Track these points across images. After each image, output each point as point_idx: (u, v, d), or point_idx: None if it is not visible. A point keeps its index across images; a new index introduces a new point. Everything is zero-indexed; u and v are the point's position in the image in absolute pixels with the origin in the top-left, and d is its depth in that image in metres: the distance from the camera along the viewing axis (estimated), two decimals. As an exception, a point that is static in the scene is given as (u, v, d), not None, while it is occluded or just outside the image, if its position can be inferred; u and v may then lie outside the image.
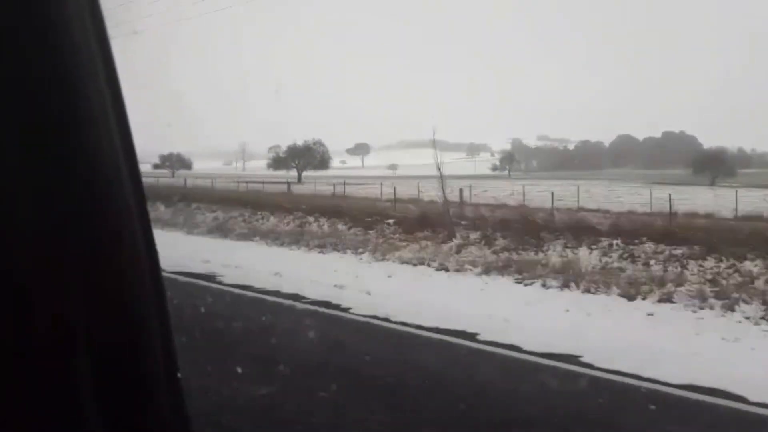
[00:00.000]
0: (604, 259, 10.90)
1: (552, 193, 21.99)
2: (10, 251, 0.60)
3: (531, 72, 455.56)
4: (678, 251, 10.49)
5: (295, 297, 8.62)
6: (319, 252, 13.61)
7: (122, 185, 0.70)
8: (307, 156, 70.24)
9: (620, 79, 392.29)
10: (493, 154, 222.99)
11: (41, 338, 0.61)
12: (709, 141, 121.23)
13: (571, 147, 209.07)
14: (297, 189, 36.73)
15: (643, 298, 8.63)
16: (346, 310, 7.92)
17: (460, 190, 19.50)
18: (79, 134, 0.66)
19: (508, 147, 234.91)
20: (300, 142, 75.99)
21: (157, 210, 19.51)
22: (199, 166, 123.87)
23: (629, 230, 12.03)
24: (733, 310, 7.88)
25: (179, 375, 0.76)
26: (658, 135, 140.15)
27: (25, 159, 0.62)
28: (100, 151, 0.68)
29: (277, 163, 72.95)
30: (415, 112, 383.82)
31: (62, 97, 0.65)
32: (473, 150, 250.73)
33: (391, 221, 15.03)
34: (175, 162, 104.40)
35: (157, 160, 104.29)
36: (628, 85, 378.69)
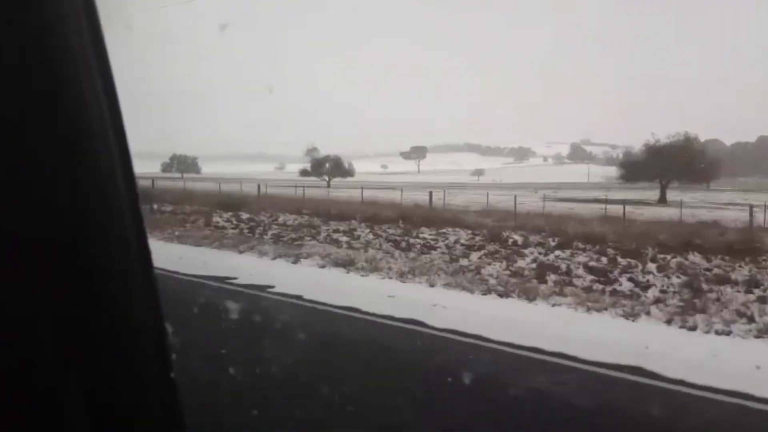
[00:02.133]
0: None
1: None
2: (3, 252, 0.61)
3: (562, 79, 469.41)
4: None
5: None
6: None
7: (117, 187, 0.71)
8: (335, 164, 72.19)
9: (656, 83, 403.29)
10: (546, 159, 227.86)
11: (32, 336, 0.62)
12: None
13: (620, 153, 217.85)
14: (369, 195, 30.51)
15: None
16: None
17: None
18: (73, 137, 0.66)
19: (551, 152, 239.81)
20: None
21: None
22: (215, 169, 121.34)
23: None
24: None
25: (172, 375, 0.76)
26: (752, 139, 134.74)
27: (18, 161, 0.62)
28: (94, 152, 0.68)
29: (314, 169, 72.56)
30: (442, 116, 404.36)
31: (57, 100, 0.65)
32: (522, 154, 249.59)
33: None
34: (183, 164, 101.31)
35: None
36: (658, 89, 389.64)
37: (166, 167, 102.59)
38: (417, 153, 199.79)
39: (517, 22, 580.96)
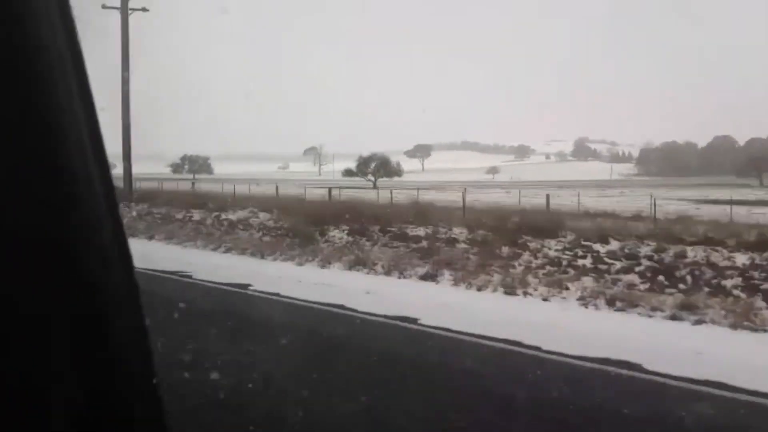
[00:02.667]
0: None
1: None
2: None
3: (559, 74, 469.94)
4: None
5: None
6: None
7: (93, 190, 0.70)
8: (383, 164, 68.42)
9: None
10: (548, 156, 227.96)
11: (15, 336, 0.61)
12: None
13: (625, 150, 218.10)
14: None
15: None
16: None
17: None
18: (46, 137, 0.65)
19: (552, 149, 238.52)
20: (314, 146, 75.93)
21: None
22: (230, 170, 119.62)
23: None
24: None
25: (155, 381, 0.75)
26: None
27: None
28: (68, 153, 0.67)
29: (359, 169, 68.84)
30: (434, 114, 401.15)
31: (29, 99, 0.64)
32: (523, 152, 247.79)
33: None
34: (194, 164, 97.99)
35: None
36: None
37: (176, 168, 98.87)
38: (421, 151, 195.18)
39: (512, 18, 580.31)
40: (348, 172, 69.28)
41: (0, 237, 0.61)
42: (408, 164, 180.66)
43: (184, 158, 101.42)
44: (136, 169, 23.72)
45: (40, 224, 0.64)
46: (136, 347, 0.73)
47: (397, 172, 69.39)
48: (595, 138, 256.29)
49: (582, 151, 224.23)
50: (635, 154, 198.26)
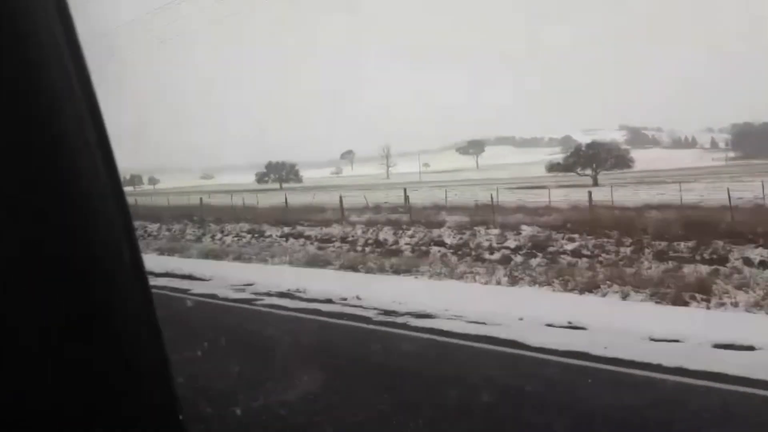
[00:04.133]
0: None
1: None
2: None
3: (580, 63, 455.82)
4: None
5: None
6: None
7: (103, 195, 0.70)
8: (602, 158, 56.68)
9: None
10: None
11: (28, 346, 0.62)
12: None
13: (687, 135, 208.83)
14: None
15: None
16: None
17: None
18: (55, 149, 0.65)
19: (587, 139, 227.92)
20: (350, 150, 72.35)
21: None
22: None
23: None
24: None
25: (174, 388, 0.75)
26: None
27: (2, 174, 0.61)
28: (78, 163, 0.67)
29: (576, 164, 57.78)
30: (462, 109, 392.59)
31: (37, 113, 0.64)
32: (569, 144, 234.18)
33: None
34: (279, 172, 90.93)
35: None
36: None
37: (261, 177, 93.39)
38: (475, 148, 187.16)
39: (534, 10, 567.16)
40: (554, 167, 58.93)
41: (13, 243, 0.61)
42: (460, 161, 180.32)
43: (269, 166, 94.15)
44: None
45: (50, 231, 0.64)
46: (151, 350, 0.73)
47: (627, 162, 58.54)
48: (634, 125, 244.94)
49: (639, 138, 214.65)
50: (700, 138, 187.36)
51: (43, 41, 0.65)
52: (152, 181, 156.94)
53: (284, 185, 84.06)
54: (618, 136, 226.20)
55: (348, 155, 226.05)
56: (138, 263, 0.74)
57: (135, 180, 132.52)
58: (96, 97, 0.72)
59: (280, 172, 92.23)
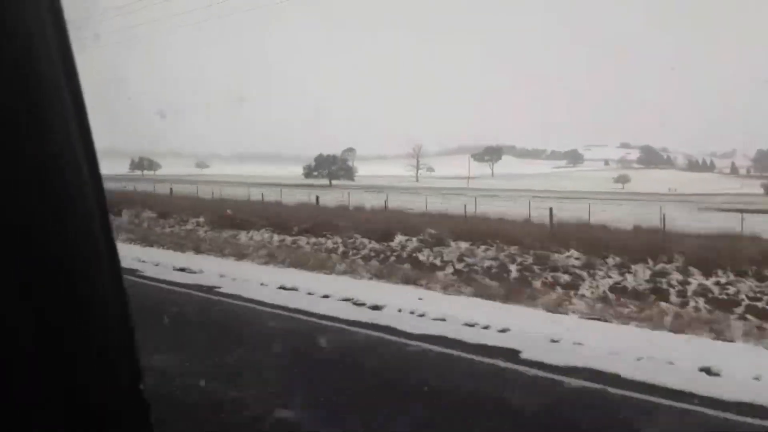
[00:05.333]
0: None
1: None
2: None
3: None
4: None
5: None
6: None
7: (83, 188, 0.70)
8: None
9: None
10: (607, 163, 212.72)
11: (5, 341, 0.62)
12: None
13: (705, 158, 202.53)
14: None
15: None
16: None
17: None
18: (37, 138, 0.65)
19: (597, 155, 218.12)
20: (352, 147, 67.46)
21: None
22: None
23: None
24: None
25: (142, 387, 0.75)
26: None
27: None
28: (59, 154, 0.67)
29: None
30: (457, 116, 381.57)
31: (20, 101, 0.64)
32: (575, 158, 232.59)
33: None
34: (326, 166, 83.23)
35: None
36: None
37: (308, 171, 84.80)
38: (491, 155, 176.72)
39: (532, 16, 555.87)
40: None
41: None
42: (477, 169, 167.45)
43: (319, 159, 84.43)
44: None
45: (28, 224, 0.64)
46: (124, 346, 0.74)
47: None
48: (636, 143, 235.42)
49: (651, 158, 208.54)
50: (718, 162, 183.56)
51: (31, 32, 0.65)
52: (154, 166, 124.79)
53: (334, 181, 76.78)
54: (608, 153, 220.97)
55: (348, 153, 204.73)
56: (113, 253, 0.74)
57: (144, 164, 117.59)
58: (81, 90, 0.72)
59: (330, 167, 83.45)
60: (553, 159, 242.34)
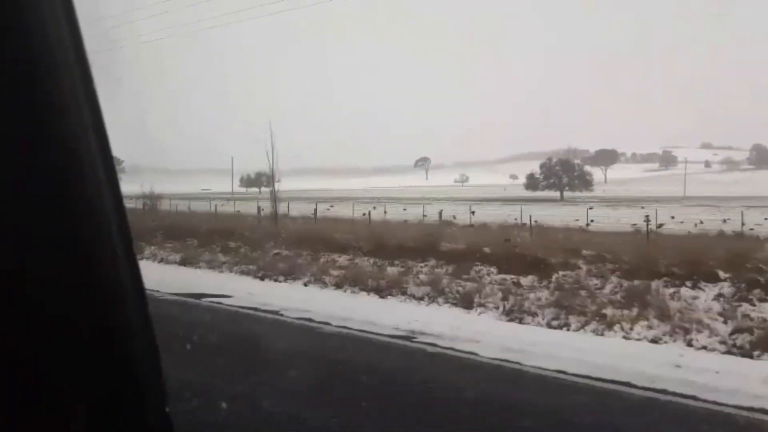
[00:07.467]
0: None
1: None
2: None
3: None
4: None
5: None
6: None
7: (99, 185, 0.70)
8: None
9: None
10: (708, 165, 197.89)
11: (20, 332, 0.62)
12: None
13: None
14: None
15: None
16: None
17: None
18: (53, 146, 0.65)
19: (695, 157, 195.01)
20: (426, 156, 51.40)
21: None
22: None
23: None
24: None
25: (163, 379, 0.76)
26: None
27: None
28: (75, 153, 0.67)
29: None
30: (494, 122, 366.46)
31: (35, 108, 0.64)
32: (668, 161, 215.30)
33: None
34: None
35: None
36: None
37: (530, 181, 70.21)
38: (605, 158, 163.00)
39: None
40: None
41: (5, 243, 0.62)
42: (483, 177, 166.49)
43: (547, 165, 67.66)
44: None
45: (45, 216, 0.64)
46: (146, 352, 0.74)
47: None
48: (718, 144, 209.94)
49: (764, 157, 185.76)
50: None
51: (49, 41, 0.66)
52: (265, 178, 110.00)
53: (567, 193, 64.61)
54: (690, 153, 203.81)
55: (423, 162, 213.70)
56: (135, 269, 0.74)
57: (263, 180, 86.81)
58: (98, 102, 0.72)
59: (565, 176, 67.38)
60: (634, 162, 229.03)
